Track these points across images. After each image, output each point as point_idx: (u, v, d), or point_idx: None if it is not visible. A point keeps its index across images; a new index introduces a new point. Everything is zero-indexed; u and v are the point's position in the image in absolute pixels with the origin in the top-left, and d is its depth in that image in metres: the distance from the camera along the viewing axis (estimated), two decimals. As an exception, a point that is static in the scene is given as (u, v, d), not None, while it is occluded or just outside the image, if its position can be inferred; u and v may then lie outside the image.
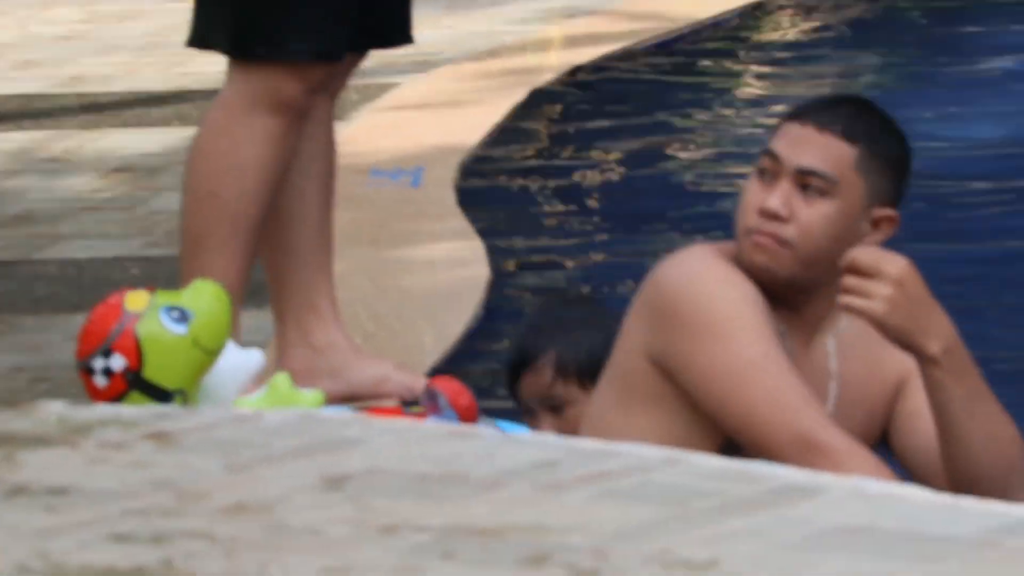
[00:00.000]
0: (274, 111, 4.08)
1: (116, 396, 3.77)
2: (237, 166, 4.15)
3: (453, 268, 5.50)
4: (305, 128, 4.16)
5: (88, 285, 5.05)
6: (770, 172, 3.12)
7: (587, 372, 3.66)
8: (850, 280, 3.05)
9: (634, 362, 3.32)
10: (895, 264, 3.06)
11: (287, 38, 4.05)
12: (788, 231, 3.09)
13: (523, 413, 3.80)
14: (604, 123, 6.91)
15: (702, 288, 3.27)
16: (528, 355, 3.73)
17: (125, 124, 6.91)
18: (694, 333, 3.23)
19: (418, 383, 4.09)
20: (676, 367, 3.21)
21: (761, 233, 3.12)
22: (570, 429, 3.56)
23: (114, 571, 1.45)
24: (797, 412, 3.15)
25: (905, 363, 3.29)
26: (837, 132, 3.09)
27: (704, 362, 3.20)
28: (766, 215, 3.08)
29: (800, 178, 3.07)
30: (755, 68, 7.20)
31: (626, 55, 7.13)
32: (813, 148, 3.09)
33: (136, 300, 3.69)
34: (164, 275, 4.68)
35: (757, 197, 3.12)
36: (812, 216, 3.10)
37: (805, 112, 3.19)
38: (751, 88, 6.58)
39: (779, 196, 3.08)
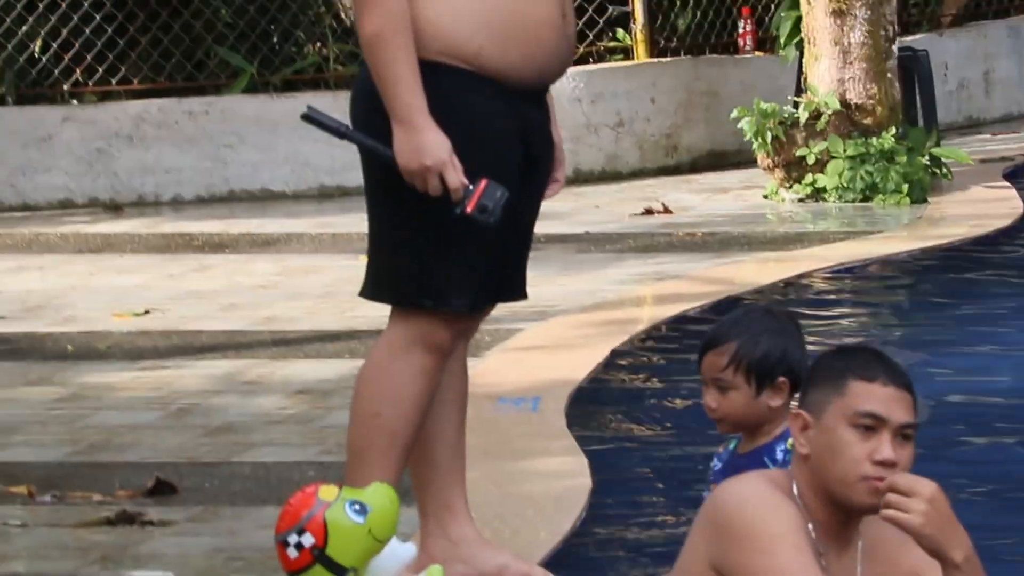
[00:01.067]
0: (429, 351, 4.28)
1: (303, 568, 3.89)
2: (396, 394, 4.32)
3: (562, 479, 5.62)
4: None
5: (274, 484, 5.50)
6: (873, 428, 3.45)
7: (756, 368, 4.04)
8: (893, 498, 3.38)
9: (698, 568, 3.60)
10: (928, 486, 3.37)
11: (449, 295, 4.23)
12: (894, 475, 3.46)
13: (701, 384, 4.18)
14: (688, 359, 7.31)
15: (753, 510, 3.54)
16: (717, 339, 4.04)
17: (306, 356, 7.44)
18: (745, 547, 3.52)
19: (534, 570, 4.46)
20: (730, 573, 3.52)
21: (879, 479, 3.44)
22: (729, 408, 4.06)
23: None
24: None
25: (912, 564, 3.60)
26: (905, 386, 3.45)
27: (753, 570, 3.50)
28: (886, 465, 3.42)
29: (900, 430, 3.40)
30: (812, 324, 7.86)
31: (701, 311, 7.95)
32: (904, 405, 3.42)
33: (328, 492, 3.85)
34: (333, 477, 4.56)
35: (864, 449, 3.44)
36: (906, 459, 3.46)
37: (874, 371, 3.49)
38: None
39: (891, 448, 3.42)
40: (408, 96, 4.19)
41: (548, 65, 4.46)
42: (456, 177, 4.13)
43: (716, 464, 4.23)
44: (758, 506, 3.55)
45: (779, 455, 4.24)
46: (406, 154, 4.13)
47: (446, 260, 4.28)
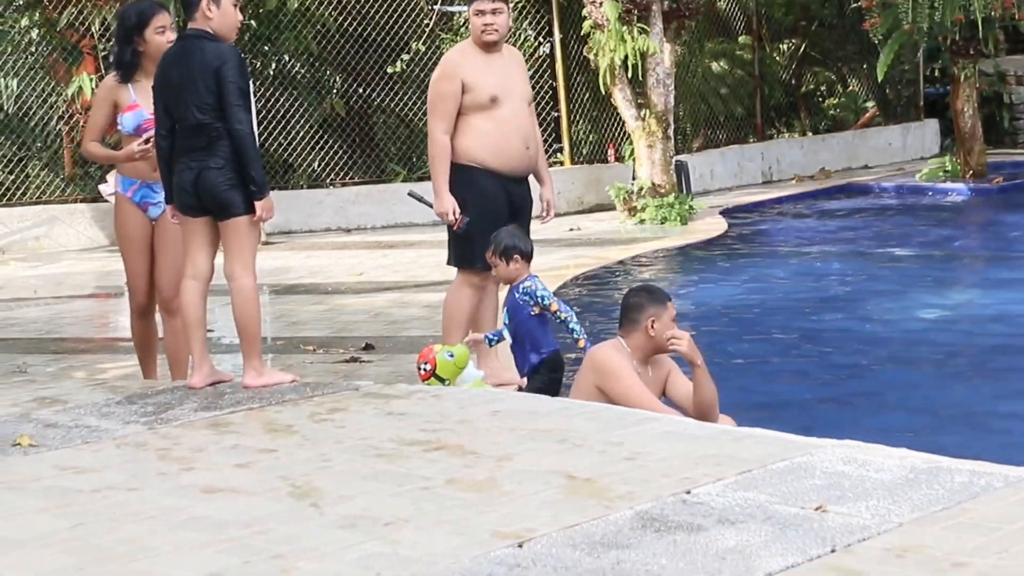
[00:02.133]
0: (470, 287, 7.61)
1: (426, 379, 7.00)
2: (458, 306, 7.60)
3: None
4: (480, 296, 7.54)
5: (415, 345, 8.33)
6: (675, 320, 6.41)
7: (502, 252, 7.12)
8: (675, 342, 6.15)
9: (587, 389, 6.36)
10: (686, 335, 6.11)
11: (475, 262, 7.41)
12: (677, 333, 6.37)
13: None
14: (582, 290, 14.43)
15: (609, 357, 6.39)
16: (498, 247, 7.08)
17: (428, 291, 10.95)
18: (611, 376, 6.31)
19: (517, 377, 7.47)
20: (605, 392, 6.27)
21: (675, 338, 6.21)
22: (503, 274, 7.26)
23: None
24: (648, 399, 6.20)
25: (668, 367, 6.46)
26: (671, 301, 6.59)
27: (617, 388, 6.28)
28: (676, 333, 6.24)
29: (674, 317, 6.47)
30: (639, 274, 13.74)
31: (593, 271, 12.95)
32: (673, 308, 6.59)
33: (437, 347, 7.10)
34: (437, 340, 7.57)
35: (671, 326, 6.41)
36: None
37: (665, 296, 6.65)
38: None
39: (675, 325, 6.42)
40: (440, 182, 7.48)
41: (518, 168, 7.63)
42: (452, 217, 7.42)
43: (507, 299, 7.33)
44: (611, 355, 6.42)
45: (516, 292, 7.27)
46: (436, 206, 7.53)
47: (472, 247, 7.46)
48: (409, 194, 8.27)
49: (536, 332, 7.15)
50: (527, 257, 7.21)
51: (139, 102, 7.30)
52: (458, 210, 7.43)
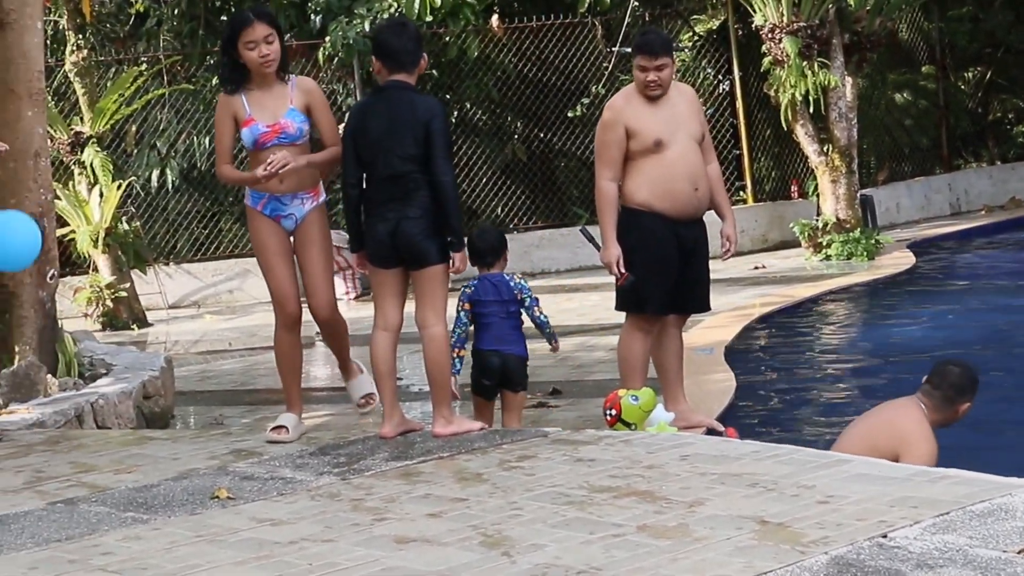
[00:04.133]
0: (640, 331, 7.59)
1: (612, 424, 7.09)
2: (632, 350, 7.60)
3: (721, 383, 9.26)
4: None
5: (603, 390, 8.14)
6: None
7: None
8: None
9: (874, 446, 6.35)
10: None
11: (645, 307, 7.44)
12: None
13: None
14: (781, 334, 12.31)
15: (917, 430, 6.61)
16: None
17: (609, 334, 10.11)
18: (915, 446, 6.48)
19: (711, 421, 7.54)
20: (899, 453, 6.35)
21: None
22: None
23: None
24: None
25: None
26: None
27: (914, 456, 6.29)
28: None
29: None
30: (828, 308, 13.96)
31: (782, 308, 13.98)
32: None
33: (622, 391, 7.18)
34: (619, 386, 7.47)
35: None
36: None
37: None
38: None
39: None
40: (608, 230, 7.43)
41: (686, 210, 7.53)
42: (616, 271, 7.39)
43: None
44: (919, 425, 6.66)
45: (510, 277, 7.60)
46: (602, 255, 7.52)
47: (640, 292, 7.48)
48: (580, 231, 8.23)
49: (509, 324, 7.38)
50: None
51: (254, 115, 7.12)
52: (622, 264, 7.38)
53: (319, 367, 12.19)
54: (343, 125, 7.17)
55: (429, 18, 16.60)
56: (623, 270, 7.39)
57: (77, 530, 5.60)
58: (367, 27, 16.53)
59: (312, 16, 17.68)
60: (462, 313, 7.47)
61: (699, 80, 18.42)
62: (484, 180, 18.25)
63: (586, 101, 18.07)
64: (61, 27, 16.59)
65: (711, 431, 7.38)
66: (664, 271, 7.37)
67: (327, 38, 16.91)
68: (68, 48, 16.14)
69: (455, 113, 18.41)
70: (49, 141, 10.64)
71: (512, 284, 7.47)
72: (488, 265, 7.50)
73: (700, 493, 5.44)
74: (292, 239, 7.24)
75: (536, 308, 7.46)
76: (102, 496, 6.15)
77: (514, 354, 7.43)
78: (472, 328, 7.46)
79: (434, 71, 17.98)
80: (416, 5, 16.43)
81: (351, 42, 16.57)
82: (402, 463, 6.41)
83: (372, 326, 7.06)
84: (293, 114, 7.08)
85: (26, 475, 6.62)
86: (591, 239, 7.74)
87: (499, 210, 18.24)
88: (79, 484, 6.43)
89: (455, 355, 7.32)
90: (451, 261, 6.91)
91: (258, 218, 7.21)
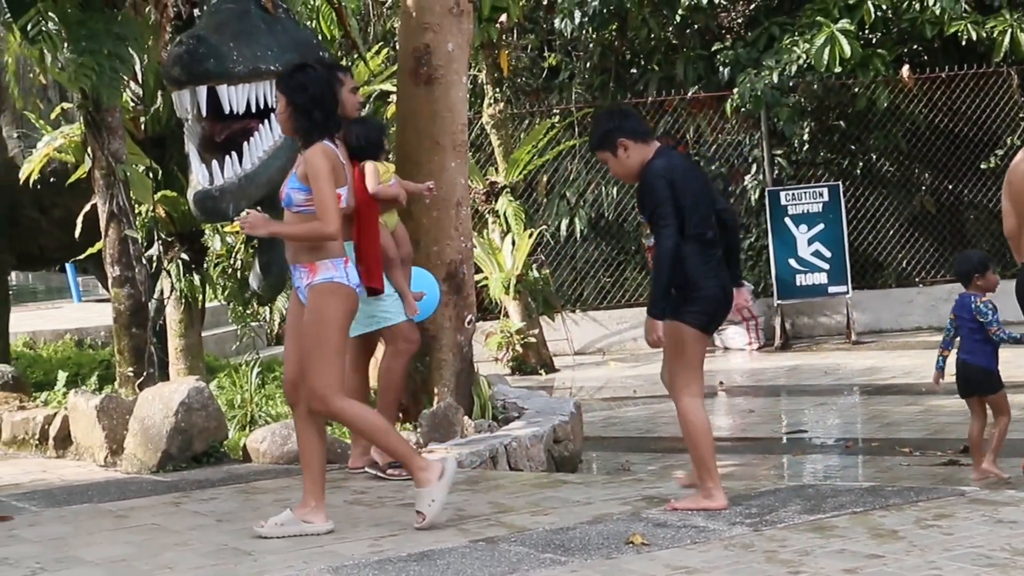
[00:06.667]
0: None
1: None
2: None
3: None
4: None
5: None
6: None
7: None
8: None
9: None
10: None
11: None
12: None
13: None
14: None
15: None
16: None
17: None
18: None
19: None
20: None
21: None
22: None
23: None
24: None
25: None
26: None
27: None
28: None
29: None
30: None
31: None
32: None
33: None
34: None
35: None
36: None
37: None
38: None
39: None
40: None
41: None
42: None
43: None
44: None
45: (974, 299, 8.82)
46: None
47: None
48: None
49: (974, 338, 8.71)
50: None
51: None
52: None
53: (721, 417, 12.24)
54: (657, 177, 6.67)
55: (838, 69, 16.56)
56: None
57: (499, 568, 5.78)
58: (775, 79, 16.61)
59: (720, 68, 17.88)
60: (949, 322, 8.84)
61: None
62: (890, 232, 18.06)
63: (1000, 152, 17.63)
64: (479, 81, 17.21)
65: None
66: None
67: (735, 90, 17.05)
68: (486, 101, 16.79)
69: (860, 164, 18.24)
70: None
71: (972, 307, 8.60)
72: (965, 285, 8.77)
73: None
74: None
75: (993, 328, 8.55)
76: (521, 536, 6.33)
77: (976, 364, 8.69)
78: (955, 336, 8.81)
79: (841, 122, 17.99)
80: (825, 56, 16.40)
81: (759, 93, 16.66)
82: (815, 516, 6.39)
83: (684, 394, 6.78)
84: (292, 180, 6.60)
85: (448, 512, 6.86)
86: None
87: (904, 263, 18.00)
88: (498, 524, 6.63)
89: (940, 354, 8.88)
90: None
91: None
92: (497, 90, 16.73)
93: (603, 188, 18.04)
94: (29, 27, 9.11)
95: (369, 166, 8.03)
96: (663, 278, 6.46)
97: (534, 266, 16.14)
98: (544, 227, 17.47)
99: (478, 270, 15.21)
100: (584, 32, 18.58)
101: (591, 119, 18.30)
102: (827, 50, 16.34)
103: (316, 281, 6.48)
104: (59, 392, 10.42)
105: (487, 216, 16.55)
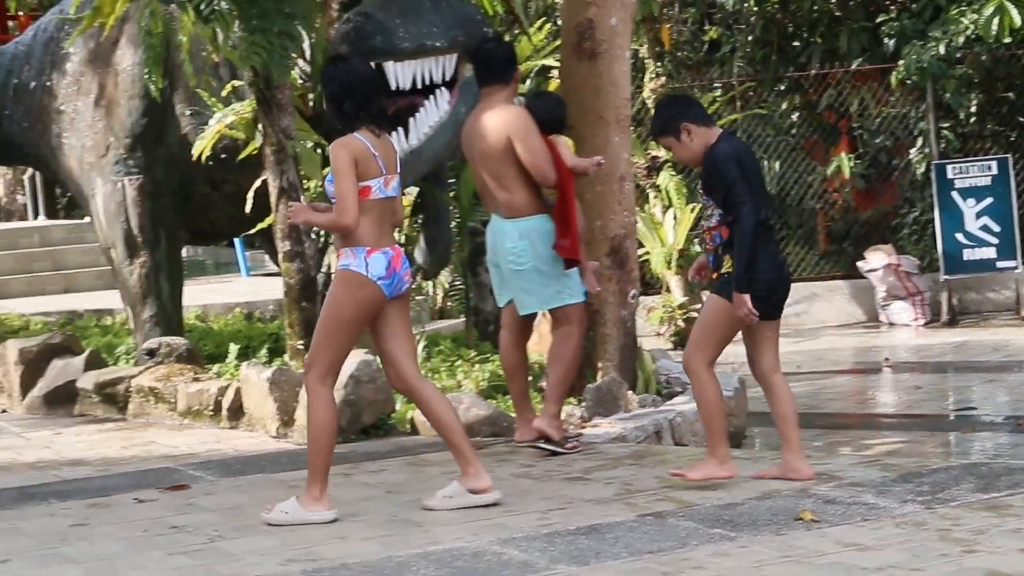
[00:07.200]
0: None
1: None
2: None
3: None
4: None
5: None
6: None
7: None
8: None
9: None
10: None
11: None
12: None
13: None
14: None
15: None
16: None
17: None
18: None
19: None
20: None
21: None
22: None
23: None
24: None
25: None
26: None
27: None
28: None
29: None
30: None
31: None
32: None
33: None
34: None
35: None
36: None
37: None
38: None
39: None
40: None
41: None
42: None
43: None
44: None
45: None
46: None
47: None
48: None
49: None
50: None
51: None
52: None
53: (887, 393, 12.13)
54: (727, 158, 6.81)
55: (1008, 39, 16.20)
56: None
57: (667, 543, 5.80)
58: (942, 50, 16.31)
59: (885, 39, 17.59)
60: None
61: None
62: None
63: None
64: (640, 56, 17.16)
65: None
66: None
67: (900, 62, 16.77)
68: (647, 76, 16.75)
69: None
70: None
71: None
72: None
73: None
74: None
75: None
76: (689, 511, 6.34)
77: None
78: None
79: (1010, 93, 17.60)
80: (994, 26, 16.04)
81: (925, 65, 16.38)
82: (989, 495, 6.31)
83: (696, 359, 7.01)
84: (330, 173, 6.68)
85: (615, 487, 6.90)
86: None
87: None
88: (666, 499, 6.65)
89: None
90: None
91: None
92: (658, 64, 16.69)
93: (766, 162, 17.88)
94: (202, 6, 9.27)
95: (562, 141, 8.09)
96: (747, 254, 6.63)
97: (696, 241, 16.04)
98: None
99: (640, 245, 14.97)
100: (745, 4, 18.42)
101: (750, 92, 18.18)
102: (996, 20, 15.98)
103: (339, 266, 6.65)
104: (231, 364, 10.61)
105: (648, 191, 16.50)
